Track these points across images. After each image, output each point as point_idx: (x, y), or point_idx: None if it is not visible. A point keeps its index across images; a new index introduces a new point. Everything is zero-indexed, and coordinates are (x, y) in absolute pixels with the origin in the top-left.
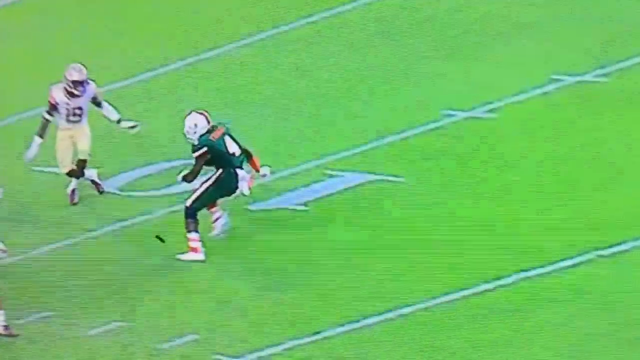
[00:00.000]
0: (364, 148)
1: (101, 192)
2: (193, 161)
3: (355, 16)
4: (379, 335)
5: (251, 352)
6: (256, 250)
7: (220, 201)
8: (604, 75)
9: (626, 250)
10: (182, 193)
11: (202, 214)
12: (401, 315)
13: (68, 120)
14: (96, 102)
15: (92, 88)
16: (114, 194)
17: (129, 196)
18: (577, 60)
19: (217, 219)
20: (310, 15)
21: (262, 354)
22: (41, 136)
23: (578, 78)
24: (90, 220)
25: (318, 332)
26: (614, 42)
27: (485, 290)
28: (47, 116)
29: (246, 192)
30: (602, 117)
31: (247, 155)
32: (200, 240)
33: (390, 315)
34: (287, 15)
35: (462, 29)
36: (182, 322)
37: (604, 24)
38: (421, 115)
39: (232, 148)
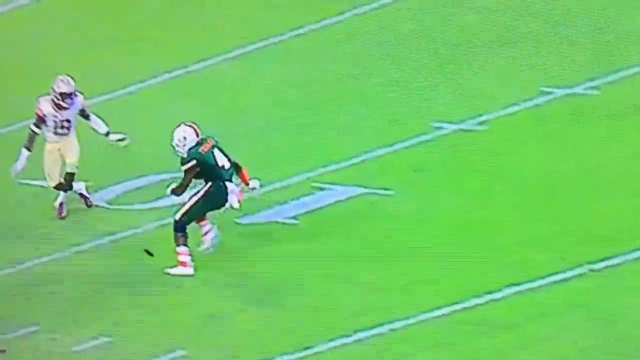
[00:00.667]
0: (354, 161)
1: (89, 206)
2: (182, 174)
3: (345, 28)
4: (370, 349)
5: None
6: (246, 264)
7: (209, 215)
8: (594, 87)
9: (618, 264)
10: (171, 206)
11: (191, 227)
12: (392, 330)
13: (56, 133)
14: (84, 115)
15: (80, 100)
16: (103, 207)
17: (118, 210)
18: (567, 73)
19: (206, 233)
20: (300, 27)
21: None
22: (28, 149)
23: (568, 90)
24: (78, 234)
25: (309, 347)
26: (604, 54)
27: (476, 305)
28: (35, 128)
29: (235, 205)
30: (592, 129)
31: (236, 168)
32: (189, 255)
33: (380, 329)
34: (276, 27)
35: (452, 41)
36: (170, 338)
37: (593, 36)
38: (411, 127)
39: (222, 161)
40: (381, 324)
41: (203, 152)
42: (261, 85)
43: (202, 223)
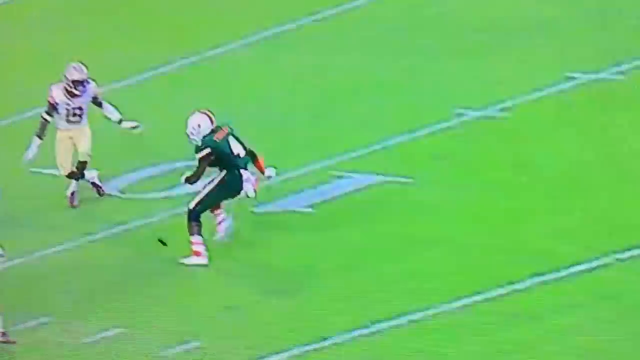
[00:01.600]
0: (372, 149)
1: (102, 195)
2: (196, 162)
3: (364, 14)
4: (389, 341)
5: (257, 359)
6: (261, 254)
7: (224, 203)
8: (620, 72)
9: None
10: (185, 195)
11: (205, 216)
12: (411, 321)
13: (68, 121)
14: (97, 102)
15: (92, 87)
16: (115, 196)
17: (131, 198)
18: (592, 58)
19: (221, 222)
20: (316, 13)
21: None
22: (40, 137)
23: (593, 76)
24: (90, 223)
25: (326, 338)
26: (630, 39)
27: (499, 295)
28: (46, 116)
29: (251, 194)
30: (618, 115)
31: (251, 156)
32: (203, 244)
33: (400, 320)
34: (291, 13)
35: (474, 26)
36: (184, 328)
37: (619, 21)
38: (432, 114)
39: (237, 149)
40: (400, 315)
41: (218, 140)
42: (277, 72)
43: (216, 212)
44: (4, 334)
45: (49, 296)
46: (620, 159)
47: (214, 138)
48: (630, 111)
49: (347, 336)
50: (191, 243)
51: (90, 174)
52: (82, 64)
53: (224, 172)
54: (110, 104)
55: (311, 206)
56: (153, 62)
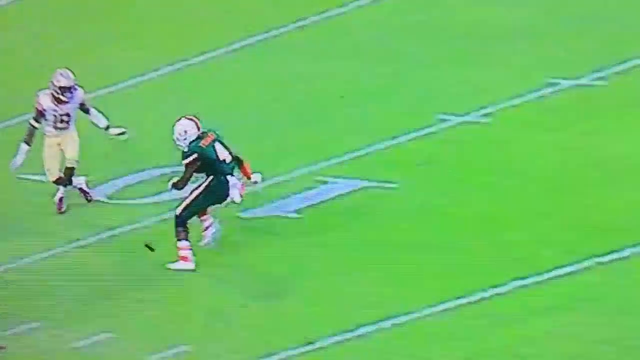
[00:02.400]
0: (357, 154)
1: (89, 201)
2: (183, 168)
3: (348, 21)
4: (374, 345)
5: None
6: (247, 259)
7: (210, 209)
8: (602, 78)
9: (626, 257)
10: (172, 201)
11: (192, 222)
12: (396, 325)
13: (55, 127)
14: (84, 109)
15: (79, 94)
16: (103, 202)
17: (118, 204)
18: (574, 64)
19: (207, 227)
20: (301, 20)
21: None
22: (28, 143)
23: (575, 82)
24: (78, 229)
25: (311, 342)
26: (611, 45)
27: (481, 299)
28: (34, 123)
29: (237, 199)
30: (599, 121)
31: (238, 162)
32: (190, 249)
33: (385, 324)
34: (279, 20)
35: (456, 32)
36: (172, 333)
37: (601, 27)
38: (416, 120)
39: (223, 155)
40: (385, 319)
41: (204, 146)
42: (263, 78)
43: (203, 217)
44: None
45: (38, 302)
46: (600, 164)
47: (201, 144)
48: (610, 116)
49: (333, 340)
50: (178, 248)
51: (78, 180)
52: (69, 70)
53: (211, 177)
54: (97, 110)
55: (297, 211)
56: (139, 69)
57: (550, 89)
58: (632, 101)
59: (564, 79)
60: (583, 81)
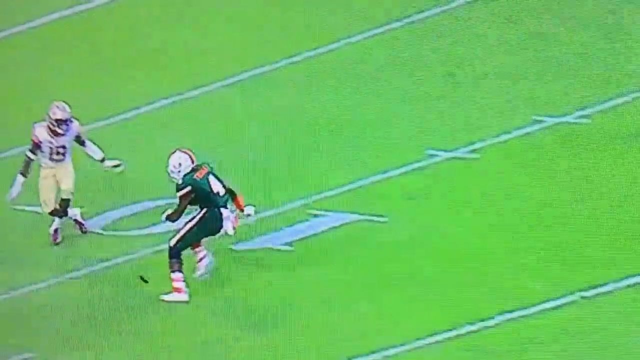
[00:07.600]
0: (348, 188)
1: (84, 232)
2: (177, 200)
3: (339, 56)
4: None
5: None
6: (240, 291)
7: (204, 241)
8: (585, 116)
9: (609, 292)
10: (166, 232)
11: (186, 253)
12: (386, 357)
13: (51, 159)
14: (80, 141)
15: (75, 126)
16: (98, 233)
17: (113, 236)
18: (559, 102)
19: (201, 259)
20: (295, 55)
21: None
22: (24, 175)
23: (559, 119)
24: (73, 260)
25: None
26: (594, 85)
27: (470, 332)
28: (30, 155)
29: (230, 232)
30: (583, 157)
31: (231, 194)
32: (184, 281)
33: (376, 356)
34: (272, 55)
35: (445, 71)
36: None
37: (584, 65)
38: (405, 155)
39: (217, 187)
40: (375, 351)
41: (198, 179)
42: (256, 112)
43: (197, 249)
44: None
45: (32, 332)
46: (584, 199)
47: (195, 177)
48: (594, 153)
49: None
50: (172, 280)
51: (73, 212)
52: (66, 103)
53: (204, 210)
54: (93, 143)
55: (289, 244)
56: (135, 102)
57: (535, 127)
58: (615, 138)
59: (549, 116)
60: (567, 119)
